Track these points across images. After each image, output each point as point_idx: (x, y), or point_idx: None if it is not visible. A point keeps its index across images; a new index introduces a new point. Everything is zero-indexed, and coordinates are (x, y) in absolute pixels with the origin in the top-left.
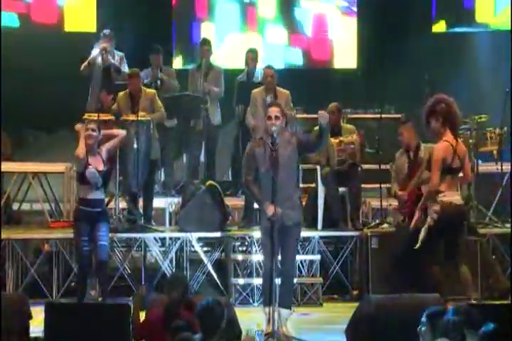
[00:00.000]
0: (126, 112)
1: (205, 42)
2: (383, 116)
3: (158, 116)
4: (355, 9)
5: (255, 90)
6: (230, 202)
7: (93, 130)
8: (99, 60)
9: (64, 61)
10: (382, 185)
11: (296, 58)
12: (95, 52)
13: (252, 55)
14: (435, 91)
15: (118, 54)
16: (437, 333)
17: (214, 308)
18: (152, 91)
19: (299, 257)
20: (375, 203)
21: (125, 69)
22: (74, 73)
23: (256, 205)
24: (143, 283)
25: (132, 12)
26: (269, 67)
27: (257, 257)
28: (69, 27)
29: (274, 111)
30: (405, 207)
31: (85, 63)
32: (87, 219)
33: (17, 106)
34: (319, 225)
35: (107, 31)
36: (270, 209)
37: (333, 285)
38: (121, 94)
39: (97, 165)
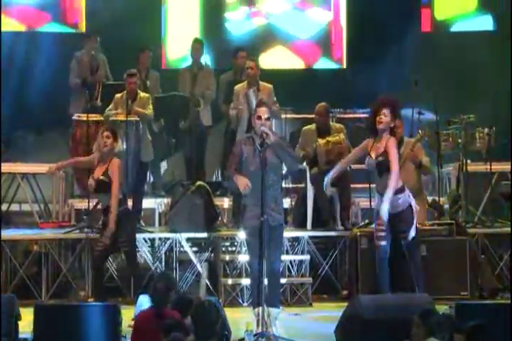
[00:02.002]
0: (121, 114)
1: (197, 42)
2: None
3: (144, 114)
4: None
5: (238, 85)
6: (220, 202)
7: (108, 137)
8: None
9: (53, 61)
10: (372, 185)
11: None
12: (81, 53)
13: (242, 53)
14: (422, 90)
15: (100, 57)
16: (427, 332)
17: (210, 311)
18: (146, 95)
19: (288, 257)
20: (364, 203)
21: (107, 71)
22: (63, 74)
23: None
24: (132, 283)
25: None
26: (251, 59)
27: (246, 257)
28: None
29: (262, 111)
30: None
31: (77, 81)
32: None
33: (5, 107)
34: (309, 225)
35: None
36: (241, 182)
37: (323, 285)
38: (118, 95)
39: (99, 172)
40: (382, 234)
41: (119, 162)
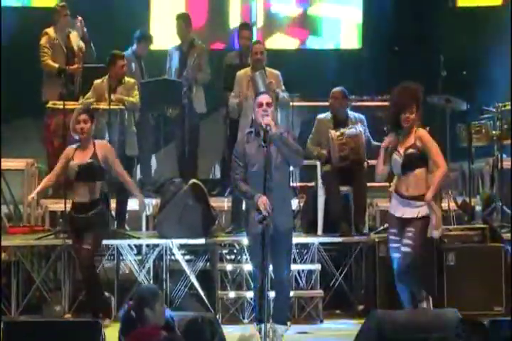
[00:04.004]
0: (100, 101)
1: (180, 18)
2: None
3: (130, 102)
4: None
5: (241, 71)
6: (216, 203)
7: (85, 121)
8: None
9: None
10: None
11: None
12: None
13: (246, 33)
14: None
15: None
16: None
17: (204, 329)
18: (132, 80)
19: (296, 267)
20: (382, 204)
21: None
22: (32, 56)
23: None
24: (115, 297)
25: None
26: (258, 42)
27: (248, 267)
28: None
29: (264, 98)
30: None
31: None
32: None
33: None
34: (319, 230)
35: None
36: (263, 202)
37: (335, 299)
38: (97, 81)
39: (82, 158)
40: (395, 245)
41: (106, 143)
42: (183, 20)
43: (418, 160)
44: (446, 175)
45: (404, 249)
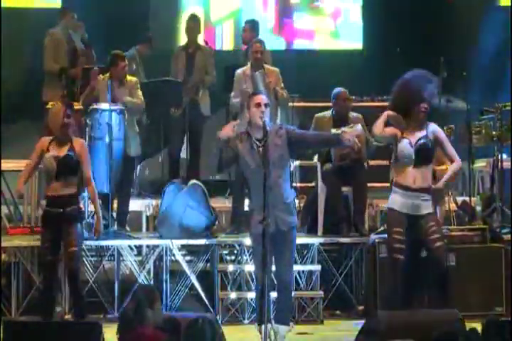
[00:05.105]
0: (103, 100)
1: (192, 19)
2: None
3: (135, 103)
4: None
5: (239, 70)
6: (217, 204)
7: (68, 116)
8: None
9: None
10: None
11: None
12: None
13: (192, 23)
14: (453, 74)
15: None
16: None
17: (203, 331)
18: (134, 79)
19: (296, 267)
20: (383, 205)
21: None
22: (35, 54)
23: (247, 208)
24: (115, 298)
25: None
26: (258, 41)
27: (249, 267)
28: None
29: (260, 98)
30: None
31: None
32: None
33: None
34: (319, 230)
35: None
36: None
37: (336, 300)
38: (100, 77)
39: (58, 151)
40: (402, 245)
41: (84, 142)
42: (193, 22)
43: (431, 152)
44: (459, 169)
45: (437, 244)
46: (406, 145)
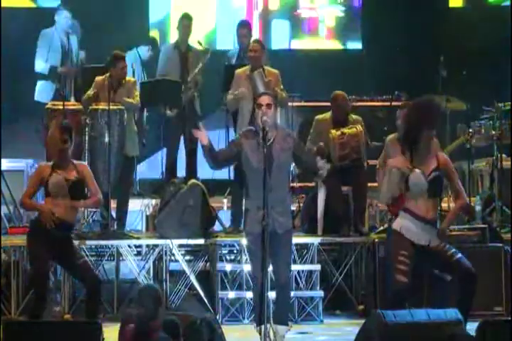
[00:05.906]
0: (102, 100)
1: (185, 18)
2: (393, 103)
3: (131, 103)
4: None
5: (239, 69)
6: (216, 203)
7: (65, 141)
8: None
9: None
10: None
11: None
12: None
13: (244, 31)
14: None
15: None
16: None
17: (202, 331)
18: (133, 79)
19: (296, 267)
20: (382, 204)
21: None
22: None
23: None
24: (115, 297)
25: None
26: (256, 41)
27: (248, 267)
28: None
29: (265, 99)
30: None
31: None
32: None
33: None
34: (319, 230)
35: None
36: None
37: (336, 300)
38: (99, 78)
39: (66, 175)
40: (406, 268)
41: (87, 165)
42: (188, 21)
43: (443, 184)
44: (464, 207)
45: (458, 256)
46: (420, 177)
